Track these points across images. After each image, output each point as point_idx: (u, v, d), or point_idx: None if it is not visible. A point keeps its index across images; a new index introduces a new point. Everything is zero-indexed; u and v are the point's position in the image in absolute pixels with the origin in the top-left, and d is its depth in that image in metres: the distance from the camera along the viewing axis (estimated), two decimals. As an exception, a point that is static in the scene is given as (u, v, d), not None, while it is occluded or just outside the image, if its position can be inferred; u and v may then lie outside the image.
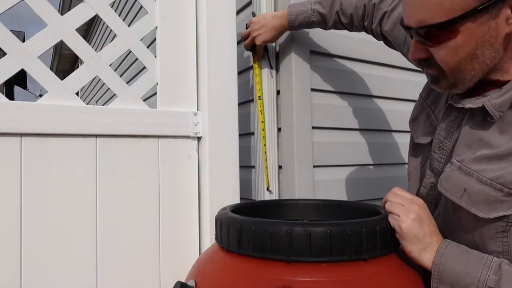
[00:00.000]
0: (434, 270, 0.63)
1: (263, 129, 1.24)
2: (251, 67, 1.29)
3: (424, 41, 0.65)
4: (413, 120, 0.87)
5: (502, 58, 0.64)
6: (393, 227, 0.67)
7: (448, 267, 0.62)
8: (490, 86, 0.68)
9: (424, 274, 0.66)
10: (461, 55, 0.63)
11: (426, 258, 0.64)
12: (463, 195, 0.65)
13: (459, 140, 0.70)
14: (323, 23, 1.16)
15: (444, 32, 0.62)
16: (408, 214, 0.66)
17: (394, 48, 1.05)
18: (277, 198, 1.25)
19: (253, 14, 1.27)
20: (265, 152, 1.24)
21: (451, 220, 0.70)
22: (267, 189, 1.24)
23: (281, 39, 1.27)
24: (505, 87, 0.64)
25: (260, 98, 1.25)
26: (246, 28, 1.23)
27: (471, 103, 0.67)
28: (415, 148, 0.85)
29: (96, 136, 0.90)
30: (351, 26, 1.14)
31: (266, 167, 1.24)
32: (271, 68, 1.27)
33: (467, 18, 0.59)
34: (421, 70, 0.75)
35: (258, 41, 1.19)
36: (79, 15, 0.91)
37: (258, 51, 1.23)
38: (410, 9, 0.65)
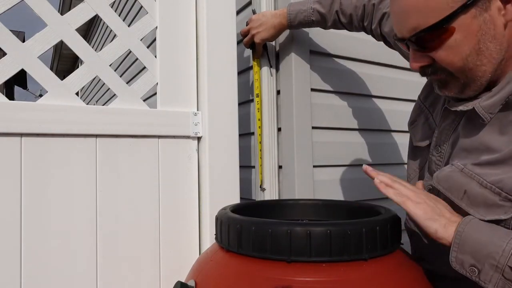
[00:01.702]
0: (456, 238, 0.58)
1: (259, 127, 1.24)
2: (251, 67, 1.29)
3: (421, 47, 0.64)
4: (411, 123, 0.87)
5: (508, 51, 0.63)
6: (408, 212, 0.63)
7: (472, 235, 0.58)
8: (485, 90, 0.67)
9: (425, 273, 0.66)
10: (466, 51, 0.62)
11: (451, 229, 0.60)
12: (464, 196, 0.65)
13: (458, 143, 0.70)
14: (322, 22, 1.16)
15: (439, 33, 0.61)
16: (419, 195, 0.64)
17: (394, 49, 1.05)
18: (276, 198, 1.25)
19: (253, 12, 1.27)
20: (260, 150, 1.24)
21: None
22: (260, 187, 1.24)
23: (281, 39, 1.27)
24: (495, 89, 0.64)
25: (257, 96, 1.25)
26: (247, 25, 1.23)
27: (463, 106, 0.67)
28: (414, 150, 0.85)
29: (96, 136, 0.90)
30: (350, 26, 1.14)
31: (260, 165, 1.24)
32: (271, 67, 1.27)
33: (458, 14, 0.59)
34: None
35: (257, 39, 1.20)
36: (79, 15, 0.91)
37: (257, 49, 1.24)
38: (400, 20, 0.65)
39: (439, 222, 0.62)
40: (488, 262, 0.55)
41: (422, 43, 0.64)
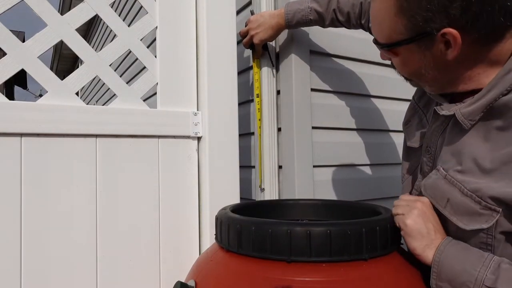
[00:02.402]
0: (433, 267, 0.63)
1: (260, 127, 1.24)
2: (251, 67, 1.29)
3: (380, 50, 0.75)
4: (406, 123, 0.88)
5: (456, 75, 0.67)
6: (398, 226, 0.67)
7: (446, 264, 0.61)
8: (471, 93, 0.68)
9: (425, 273, 0.66)
10: (408, 70, 0.72)
11: (430, 254, 0.64)
12: (447, 204, 0.66)
13: (444, 146, 0.71)
14: (320, 21, 1.16)
15: (388, 51, 0.71)
16: (412, 211, 0.67)
17: None
18: (276, 198, 1.25)
19: (252, 13, 1.27)
20: (260, 150, 1.24)
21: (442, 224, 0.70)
22: (260, 187, 1.24)
23: (281, 39, 1.27)
24: (476, 96, 0.64)
25: (258, 96, 1.25)
26: (246, 26, 1.23)
27: (446, 110, 0.69)
28: (408, 151, 0.86)
29: (96, 136, 0.90)
30: (348, 24, 1.14)
31: (260, 165, 1.24)
32: (273, 66, 1.27)
33: (399, 46, 0.68)
34: None
35: (255, 40, 1.20)
36: (79, 15, 0.91)
37: (256, 50, 1.24)
38: (372, 26, 0.75)
39: (420, 242, 0.65)
40: None
41: (380, 48, 0.74)
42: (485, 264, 0.59)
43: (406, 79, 0.77)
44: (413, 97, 0.88)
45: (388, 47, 0.70)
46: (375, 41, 0.73)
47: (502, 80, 0.61)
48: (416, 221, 0.66)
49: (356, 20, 1.11)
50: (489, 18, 0.58)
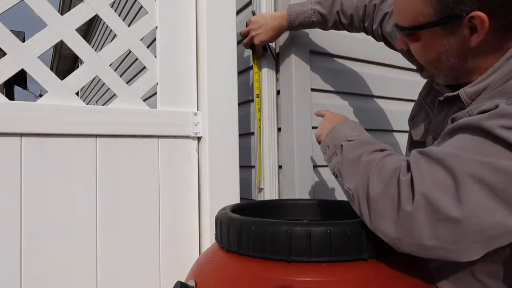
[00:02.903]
0: (330, 131, 0.80)
1: (260, 127, 1.24)
2: (251, 67, 1.29)
3: (401, 36, 0.74)
4: (412, 118, 0.89)
5: (474, 64, 0.68)
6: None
7: (341, 129, 0.77)
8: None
9: (425, 273, 0.66)
10: (428, 57, 0.71)
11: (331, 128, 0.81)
12: None
13: None
14: (323, 23, 1.15)
15: (410, 35, 0.70)
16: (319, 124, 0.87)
17: (394, 49, 1.05)
18: (276, 198, 1.25)
19: (253, 13, 1.27)
20: (260, 150, 1.24)
21: None
22: (258, 187, 1.24)
23: (281, 40, 1.27)
24: (479, 78, 0.67)
25: (258, 96, 1.25)
26: (246, 26, 1.23)
27: (449, 92, 0.72)
28: (412, 145, 0.87)
29: (96, 136, 0.90)
30: (350, 26, 1.14)
31: (260, 165, 1.24)
32: (273, 66, 1.27)
33: (425, 29, 0.67)
34: None
35: (256, 41, 1.20)
36: (79, 15, 0.91)
37: (257, 50, 1.24)
38: (394, 10, 0.74)
39: (324, 129, 0.83)
40: (334, 143, 0.76)
41: (401, 34, 0.73)
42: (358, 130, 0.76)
43: (420, 69, 0.77)
44: (420, 93, 0.89)
45: (413, 30, 0.68)
46: (397, 26, 0.72)
47: (507, 63, 0.63)
48: (321, 126, 0.86)
49: (359, 23, 1.11)
50: None
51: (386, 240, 0.59)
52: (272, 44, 1.29)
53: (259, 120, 1.25)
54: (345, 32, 1.21)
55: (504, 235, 0.52)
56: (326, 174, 1.31)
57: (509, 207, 0.51)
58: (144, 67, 1.01)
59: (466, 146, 0.54)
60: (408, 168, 0.57)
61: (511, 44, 0.64)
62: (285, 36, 1.26)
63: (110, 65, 0.95)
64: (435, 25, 0.65)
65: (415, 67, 0.80)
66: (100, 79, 0.94)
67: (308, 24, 1.16)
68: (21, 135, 0.82)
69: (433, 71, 0.74)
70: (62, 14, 0.88)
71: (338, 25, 1.15)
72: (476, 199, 0.51)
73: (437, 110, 0.77)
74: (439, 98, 0.75)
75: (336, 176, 0.74)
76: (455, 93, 0.69)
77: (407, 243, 0.56)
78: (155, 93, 1.03)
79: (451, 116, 0.71)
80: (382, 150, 0.66)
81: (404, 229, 0.55)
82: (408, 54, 0.78)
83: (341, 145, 0.72)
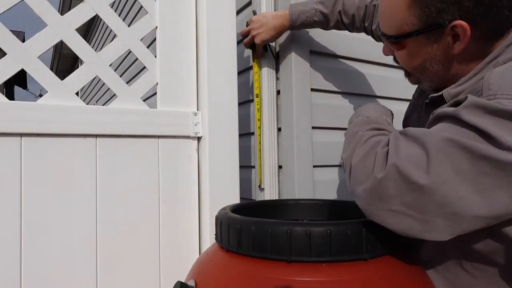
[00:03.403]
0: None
1: (259, 127, 1.24)
2: (251, 67, 1.29)
3: (387, 44, 0.76)
4: (406, 119, 0.92)
5: (457, 70, 0.70)
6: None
7: (363, 107, 0.85)
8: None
9: (425, 273, 0.67)
10: (413, 64, 0.74)
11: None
12: None
13: None
14: (324, 23, 1.16)
15: (395, 43, 0.73)
16: None
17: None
18: (276, 198, 1.25)
19: (254, 13, 1.27)
20: (260, 150, 1.24)
21: None
22: (259, 187, 1.24)
23: (281, 39, 1.27)
24: (462, 79, 0.69)
25: (257, 96, 1.25)
26: (247, 25, 1.23)
27: (433, 93, 0.74)
28: None
29: (96, 136, 0.90)
30: (352, 26, 1.14)
31: (260, 166, 1.24)
32: (273, 65, 1.27)
33: (409, 38, 0.69)
34: None
35: (257, 40, 1.19)
36: (79, 15, 0.91)
37: (257, 50, 1.24)
38: (380, 19, 0.76)
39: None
40: (351, 119, 0.81)
41: (386, 42, 0.76)
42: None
43: (407, 74, 0.80)
44: (413, 95, 0.91)
45: (397, 38, 0.71)
46: (382, 34, 0.75)
47: (488, 66, 0.66)
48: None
49: (360, 22, 1.11)
50: (497, 12, 0.61)
51: (359, 205, 0.64)
52: (272, 44, 1.29)
53: (259, 120, 1.25)
54: (345, 32, 1.21)
55: (469, 219, 0.54)
56: (326, 174, 1.31)
57: (473, 186, 0.53)
58: (144, 67, 1.01)
59: (441, 128, 0.58)
60: (388, 144, 0.63)
61: (492, 50, 0.66)
62: (285, 35, 1.26)
63: (110, 65, 0.95)
64: (419, 34, 0.67)
65: None
66: (100, 79, 0.94)
67: (310, 23, 1.16)
68: (21, 135, 0.82)
69: (419, 76, 0.77)
70: (62, 14, 0.88)
71: (339, 25, 1.16)
72: (443, 171, 0.54)
73: (425, 111, 0.79)
74: (425, 100, 0.77)
75: None
76: (439, 93, 0.71)
77: (376, 209, 0.60)
78: (155, 93, 1.03)
79: None
80: (378, 129, 0.72)
81: (374, 194, 0.60)
82: (395, 60, 0.81)
83: (351, 121, 0.81)
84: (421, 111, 0.84)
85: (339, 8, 1.12)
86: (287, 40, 1.25)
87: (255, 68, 1.26)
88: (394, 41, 0.72)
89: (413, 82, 0.82)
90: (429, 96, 0.75)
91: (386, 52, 0.79)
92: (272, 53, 1.27)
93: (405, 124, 0.92)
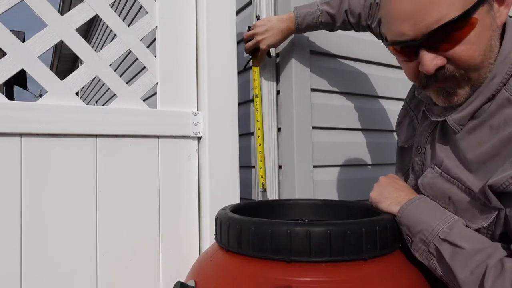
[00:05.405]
0: (399, 212, 0.69)
1: (259, 128, 1.24)
2: (251, 67, 1.29)
3: (439, 44, 0.59)
4: (398, 124, 0.89)
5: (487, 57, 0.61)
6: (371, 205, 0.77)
7: (411, 212, 0.67)
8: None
9: (425, 273, 0.66)
10: (483, 46, 0.59)
11: (395, 208, 0.70)
12: (449, 202, 0.67)
13: (436, 146, 0.72)
14: (331, 23, 1.14)
15: (463, 25, 0.56)
16: (374, 186, 0.78)
17: None
18: (276, 198, 1.25)
19: (257, 18, 1.25)
20: (260, 152, 1.24)
21: None
22: (262, 187, 1.24)
23: (281, 39, 1.26)
24: (467, 102, 0.65)
25: (256, 95, 1.25)
26: (249, 30, 1.22)
27: (436, 116, 0.70)
28: (400, 151, 0.88)
29: (96, 136, 0.90)
30: (358, 26, 1.13)
31: (263, 167, 1.24)
32: (274, 65, 1.27)
33: (479, 5, 0.56)
34: None
35: (263, 45, 1.17)
36: (79, 15, 0.91)
37: (261, 55, 1.22)
38: (414, 17, 0.58)
39: (385, 202, 0.73)
40: (419, 236, 0.65)
41: (444, 38, 0.58)
42: (445, 220, 0.64)
43: (451, 89, 0.64)
44: (405, 98, 0.89)
45: (467, 15, 0.56)
46: (440, 27, 0.57)
47: (487, 86, 0.62)
48: (377, 189, 0.76)
49: (365, 21, 1.10)
50: None
51: None
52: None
53: (258, 120, 1.25)
54: (345, 32, 1.21)
55: None
56: (326, 174, 1.31)
57: None
58: (144, 67, 1.01)
59: None
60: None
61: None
62: (285, 36, 1.25)
63: (110, 65, 0.95)
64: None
65: None
66: (100, 79, 0.94)
67: (316, 25, 1.14)
68: (21, 135, 0.82)
69: (478, 75, 0.61)
70: (62, 14, 0.88)
71: (346, 25, 1.14)
72: None
73: (422, 117, 0.77)
74: (424, 109, 0.75)
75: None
76: (442, 118, 0.69)
77: None
78: (155, 93, 1.03)
79: (438, 127, 0.71)
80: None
81: None
82: (441, 74, 0.62)
83: (436, 247, 0.63)
84: (413, 116, 0.83)
85: (346, 8, 1.10)
86: (287, 40, 1.25)
87: (254, 68, 1.26)
88: (464, 20, 0.56)
89: (461, 99, 0.64)
90: (432, 119, 0.71)
91: (435, 61, 0.59)
92: (272, 53, 1.27)
93: (397, 129, 0.90)
